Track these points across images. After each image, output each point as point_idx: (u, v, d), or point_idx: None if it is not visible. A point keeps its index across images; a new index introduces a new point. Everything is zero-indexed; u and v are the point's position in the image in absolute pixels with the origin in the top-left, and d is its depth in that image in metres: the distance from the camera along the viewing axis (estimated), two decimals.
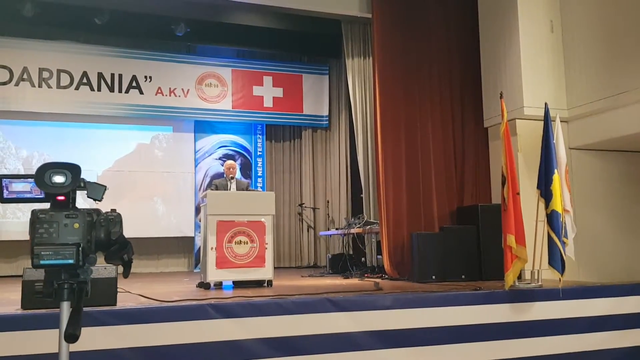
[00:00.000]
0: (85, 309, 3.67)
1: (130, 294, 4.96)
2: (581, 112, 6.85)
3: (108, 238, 1.64)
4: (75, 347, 3.57)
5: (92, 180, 1.65)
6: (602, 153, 7.09)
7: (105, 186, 1.64)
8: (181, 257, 10.21)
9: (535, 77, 6.91)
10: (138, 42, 9.89)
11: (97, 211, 1.65)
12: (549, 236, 5.16)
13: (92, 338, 3.70)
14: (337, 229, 9.47)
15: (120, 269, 1.84)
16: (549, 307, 4.95)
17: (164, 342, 3.89)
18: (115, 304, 4.05)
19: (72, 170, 1.63)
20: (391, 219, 7.01)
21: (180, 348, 3.91)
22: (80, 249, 1.60)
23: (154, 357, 3.84)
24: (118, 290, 4.22)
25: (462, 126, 7.57)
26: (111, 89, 9.70)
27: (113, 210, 1.64)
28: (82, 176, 1.65)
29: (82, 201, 1.64)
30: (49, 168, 1.62)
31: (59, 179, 1.61)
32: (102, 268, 4.06)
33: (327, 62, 11.10)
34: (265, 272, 5.75)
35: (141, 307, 4.03)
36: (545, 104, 5.73)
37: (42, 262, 1.59)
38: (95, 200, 1.67)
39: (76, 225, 1.60)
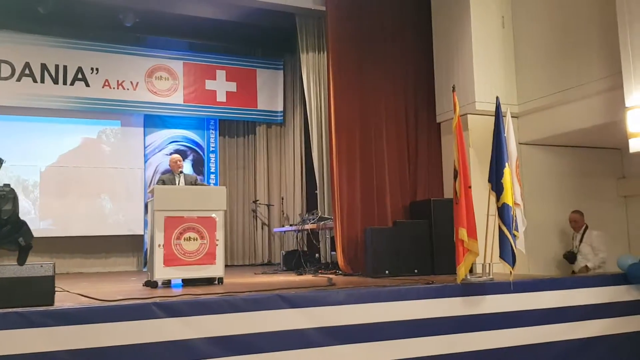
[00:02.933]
0: (19, 309, 3.49)
1: (70, 294, 4.73)
2: (530, 108, 6.96)
3: None
4: (8, 349, 3.38)
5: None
6: (550, 148, 7.23)
7: (3, 159, 1.39)
8: (130, 255, 9.89)
9: (486, 73, 6.98)
10: (84, 32, 9.49)
11: None
12: (500, 229, 5.17)
13: (27, 340, 3.50)
14: (291, 225, 9.35)
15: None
16: (500, 300, 4.97)
17: (105, 343, 3.69)
18: (52, 304, 3.82)
19: None
20: (345, 214, 6.96)
21: (122, 349, 3.72)
22: None
23: None
24: (56, 289, 3.98)
25: (415, 121, 7.59)
26: (55, 81, 9.29)
27: (6, 185, 1.39)
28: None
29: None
30: None
31: None
32: (37, 266, 3.82)
33: (281, 56, 10.96)
34: (215, 270, 5.58)
35: (80, 307, 3.81)
36: (497, 97, 5.71)
37: None
38: None
39: None
